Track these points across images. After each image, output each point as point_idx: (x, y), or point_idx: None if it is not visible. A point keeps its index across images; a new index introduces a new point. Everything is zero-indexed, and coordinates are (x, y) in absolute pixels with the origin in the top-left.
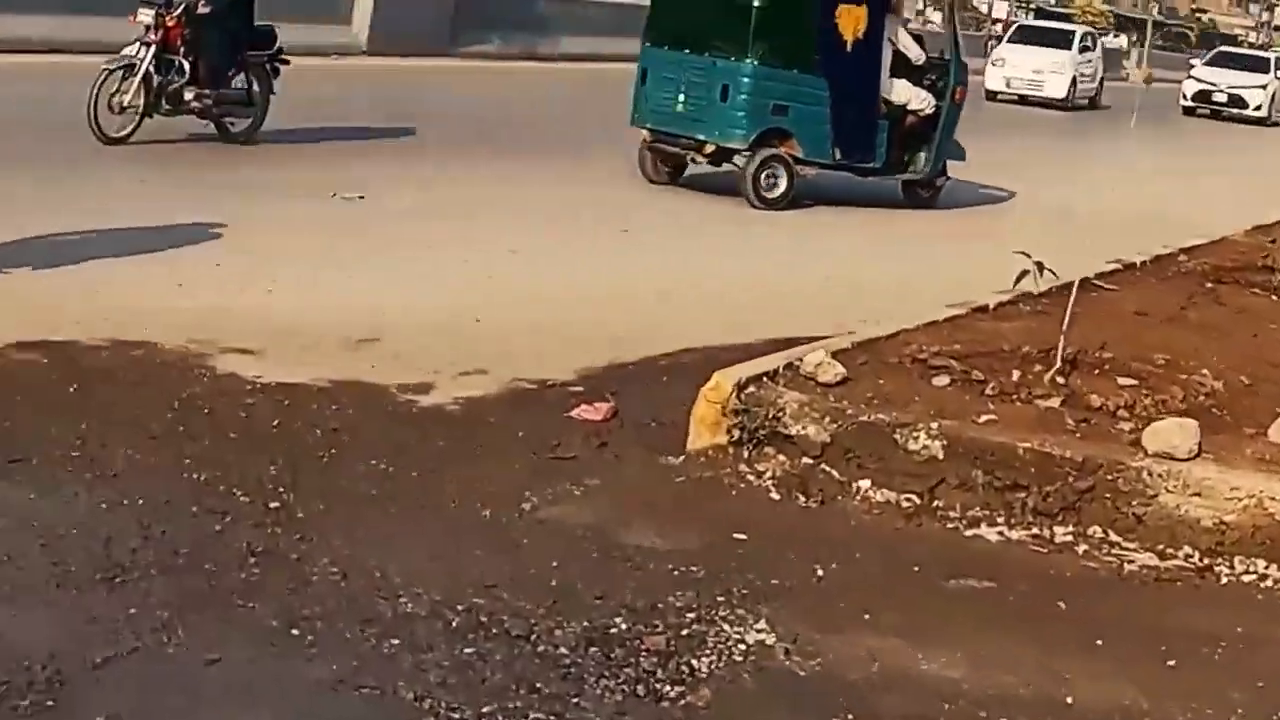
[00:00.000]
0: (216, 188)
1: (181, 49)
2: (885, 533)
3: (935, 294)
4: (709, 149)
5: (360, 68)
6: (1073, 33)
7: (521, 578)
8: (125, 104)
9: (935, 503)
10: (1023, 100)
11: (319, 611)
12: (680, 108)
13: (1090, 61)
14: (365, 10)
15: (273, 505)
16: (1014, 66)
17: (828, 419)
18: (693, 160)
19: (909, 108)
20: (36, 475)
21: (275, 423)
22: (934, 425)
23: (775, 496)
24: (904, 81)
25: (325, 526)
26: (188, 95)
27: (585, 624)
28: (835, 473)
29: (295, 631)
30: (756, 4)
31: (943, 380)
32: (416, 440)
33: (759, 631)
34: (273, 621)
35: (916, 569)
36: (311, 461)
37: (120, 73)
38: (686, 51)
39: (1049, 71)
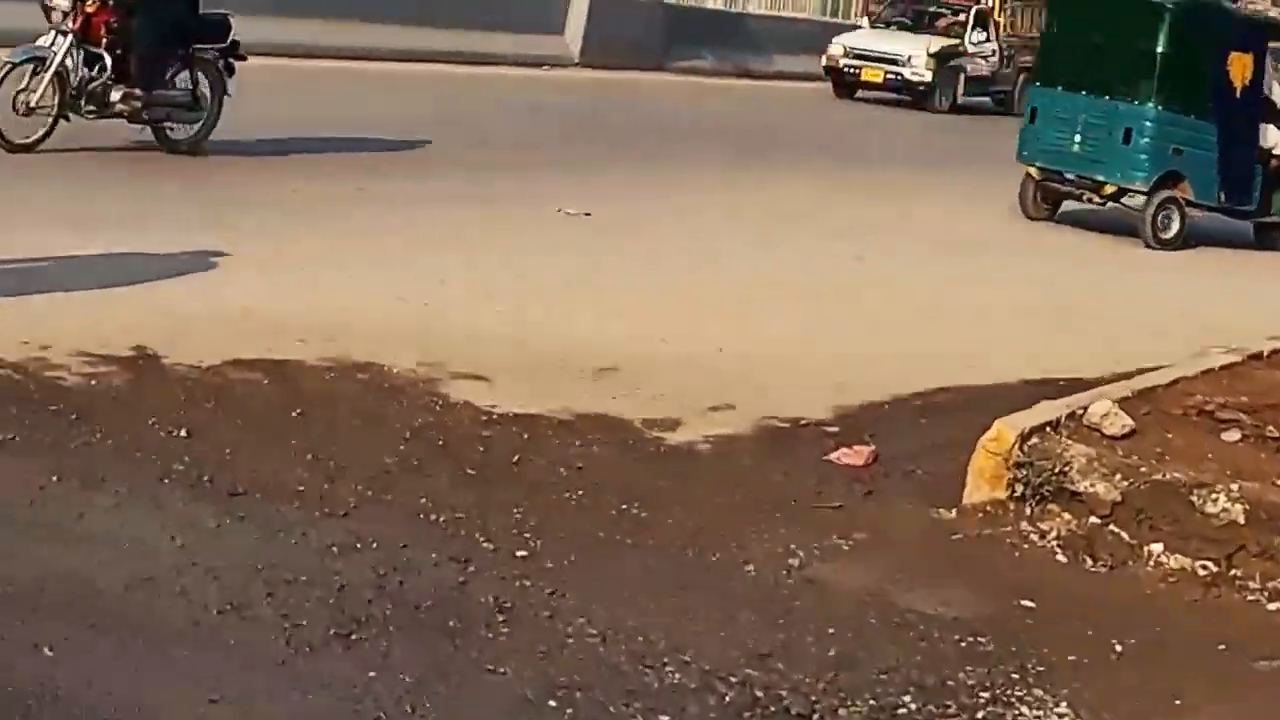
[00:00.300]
0: (445, 199)
1: (105, 40)
2: (1182, 603)
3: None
4: (1108, 189)
5: (574, 79)
6: None
7: (797, 646)
8: (33, 104)
9: (1234, 571)
10: None
11: (577, 681)
12: (1076, 148)
13: None
14: (579, 23)
15: (519, 554)
16: None
17: (1118, 476)
18: (1085, 200)
19: (1274, 152)
20: (261, 512)
21: (515, 459)
22: (1234, 487)
23: (1061, 559)
24: (1272, 126)
25: (578, 579)
26: (114, 95)
27: (871, 702)
28: (1125, 534)
29: (552, 703)
30: (1161, 50)
31: (1233, 435)
32: (670, 482)
33: (1060, 717)
34: (527, 691)
35: (1222, 647)
36: (558, 504)
37: (28, 67)
38: (1084, 93)
39: None
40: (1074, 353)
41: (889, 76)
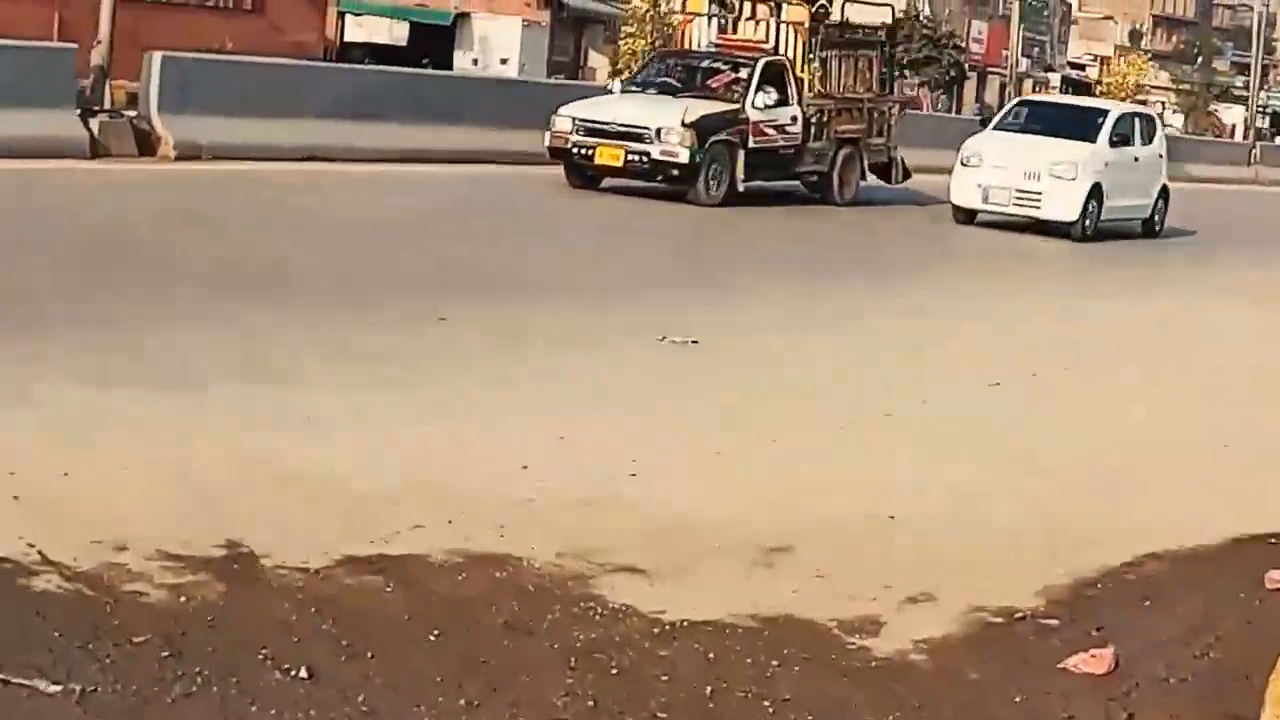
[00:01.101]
0: (531, 328)
1: None
2: None
3: None
4: None
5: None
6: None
7: None
8: None
9: None
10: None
11: None
12: None
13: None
14: None
15: None
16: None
17: None
18: None
19: None
20: None
21: (708, 689)
22: None
23: None
24: None
25: None
26: None
27: None
28: None
29: None
30: None
31: None
32: (900, 714)
33: None
34: None
35: None
36: None
37: None
38: None
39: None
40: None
41: (630, 158)
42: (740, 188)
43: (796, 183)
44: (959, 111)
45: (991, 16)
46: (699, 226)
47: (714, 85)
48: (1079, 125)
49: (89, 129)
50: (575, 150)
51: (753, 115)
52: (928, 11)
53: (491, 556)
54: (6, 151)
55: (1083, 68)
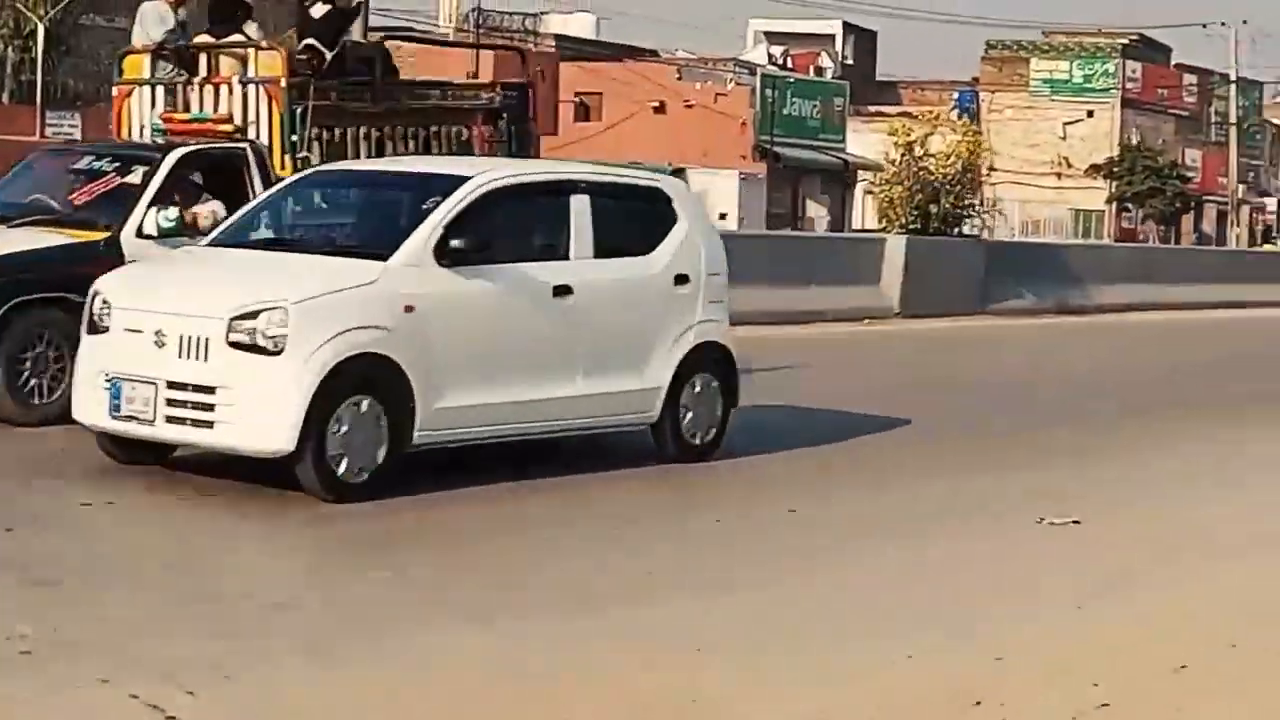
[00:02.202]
0: (878, 514)
1: None
2: None
3: None
4: None
5: (902, 331)
6: None
7: None
8: None
9: None
10: None
11: None
12: None
13: None
14: (895, 270)
15: None
16: None
17: None
18: None
19: None
20: None
21: None
22: None
23: None
24: None
25: None
26: None
27: None
28: None
29: None
30: None
31: None
32: None
33: None
34: None
35: None
36: None
37: None
38: None
39: None
40: None
41: None
42: None
43: None
44: (1178, 242)
45: (1205, 144)
46: None
47: (78, 201)
48: None
49: None
50: None
51: (135, 249)
52: (1135, 141)
53: None
54: None
55: None
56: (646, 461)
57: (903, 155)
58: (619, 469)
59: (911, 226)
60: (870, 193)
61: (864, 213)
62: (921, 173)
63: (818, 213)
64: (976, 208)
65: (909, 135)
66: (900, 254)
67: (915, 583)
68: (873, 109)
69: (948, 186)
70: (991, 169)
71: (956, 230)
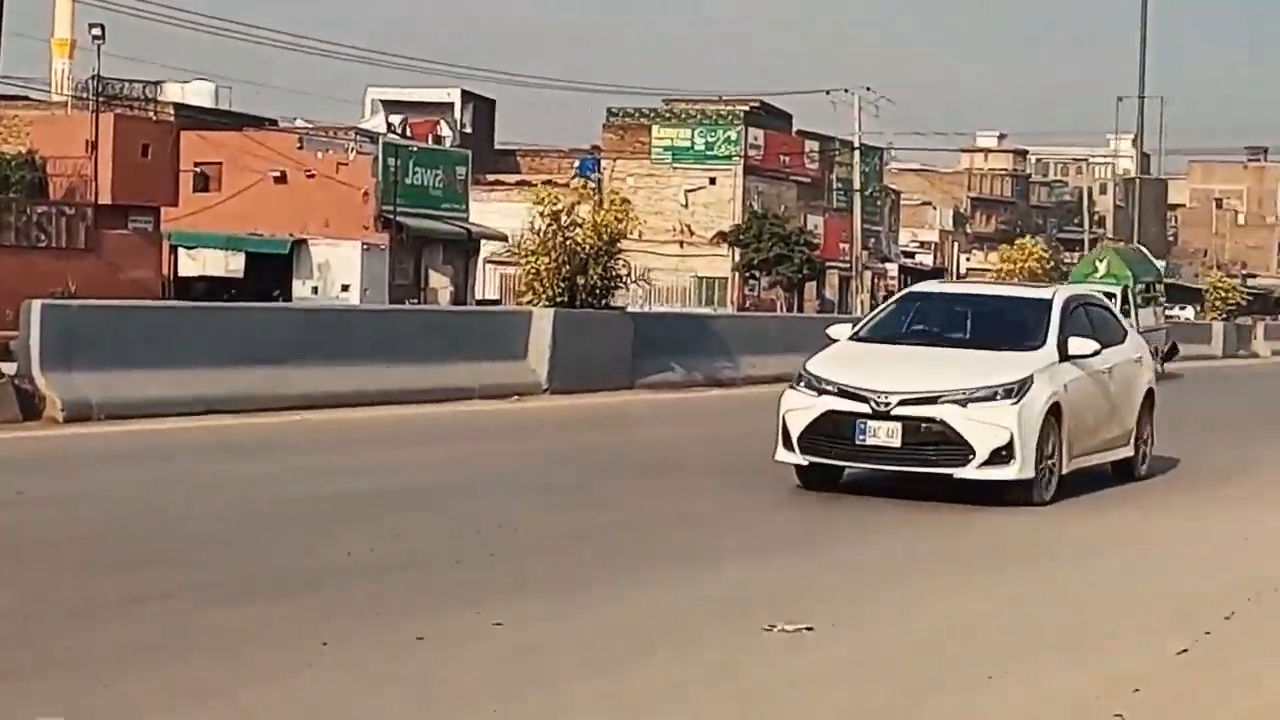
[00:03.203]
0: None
1: None
2: None
3: None
4: None
5: (550, 408)
6: None
7: None
8: None
9: None
10: None
11: None
12: None
13: None
14: (543, 347)
15: None
16: None
17: None
18: None
19: None
20: None
21: None
22: None
23: None
24: None
25: None
26: None
27: None
28: None
29: None
30: None
31: None
32: None
33: None
34: None
35: None
36: None
37: None
38: None
39: None
40: None
41: None
42: None
43: None
44: (801, 309)
45: (826, 210)
46: None
47: None
48: None
49: None
50: None
51: None
52: (758, 208)
53: None
54: None
55: (912, 255)
56: None
57: (549, 225)
58: None
59: (559, 299)
60: (491, 262)
61: (486, 283)
62: (569, 243)
63: (441, 283)
64: (625, 279)
65: (556, 204)
66: (548, 328)
67: None
68: (491, 178)
69: (595, 257)
70: (641, 237)
71: (605, 303)
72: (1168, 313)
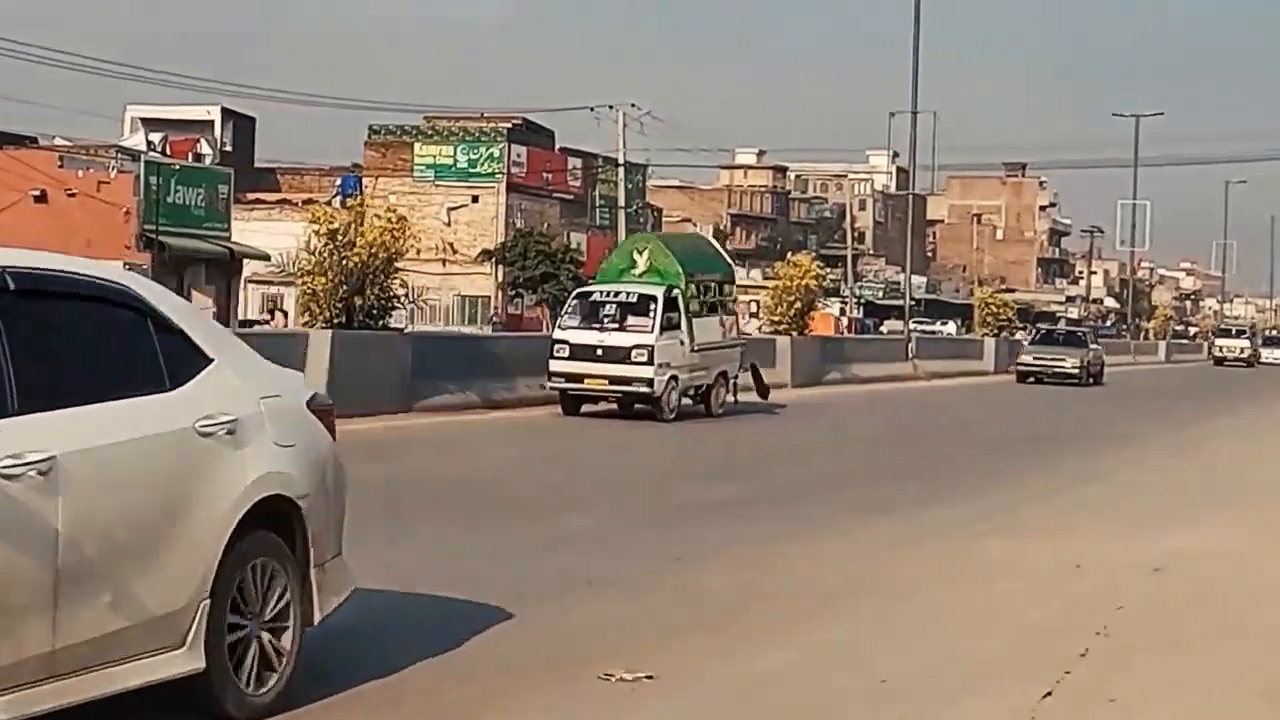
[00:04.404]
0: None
1: None
2: None
3: None
4: None
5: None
6: None
7: None
8: None
9: None
10: None
11: None
12: None
13: None
14: (320, 371)
15: None
16: None
17: None
18: None
19: None
20: None
21: None
22: None
23: None
24: None
25: None
26: None
27: None
28: None
29: None
30: None
31: None
32: None
33: None
34: None
35: None
36: None
37: None
38: None
39: None
40: None
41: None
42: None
43: None
44: None
45: (589, 227)
46: None
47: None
48: None
49: None
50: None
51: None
52: (521, 225)
53: None
54: None
55: None
56: None
57: (325, 244)
58: None
59: (336, 320)
60: (253, 282)
61: (249, 303)
62: (345, 263)
63: (203, 303)
64: (402, 299)
65: (332, 223)
66: (325, 350)
67: None
68: (252, 196)
69: (371, 277)
70: (419, 254)
71: (382, 323)
72: (930, 328)
